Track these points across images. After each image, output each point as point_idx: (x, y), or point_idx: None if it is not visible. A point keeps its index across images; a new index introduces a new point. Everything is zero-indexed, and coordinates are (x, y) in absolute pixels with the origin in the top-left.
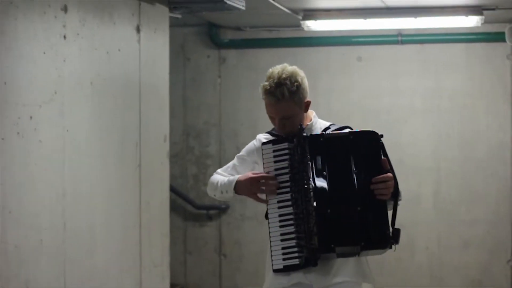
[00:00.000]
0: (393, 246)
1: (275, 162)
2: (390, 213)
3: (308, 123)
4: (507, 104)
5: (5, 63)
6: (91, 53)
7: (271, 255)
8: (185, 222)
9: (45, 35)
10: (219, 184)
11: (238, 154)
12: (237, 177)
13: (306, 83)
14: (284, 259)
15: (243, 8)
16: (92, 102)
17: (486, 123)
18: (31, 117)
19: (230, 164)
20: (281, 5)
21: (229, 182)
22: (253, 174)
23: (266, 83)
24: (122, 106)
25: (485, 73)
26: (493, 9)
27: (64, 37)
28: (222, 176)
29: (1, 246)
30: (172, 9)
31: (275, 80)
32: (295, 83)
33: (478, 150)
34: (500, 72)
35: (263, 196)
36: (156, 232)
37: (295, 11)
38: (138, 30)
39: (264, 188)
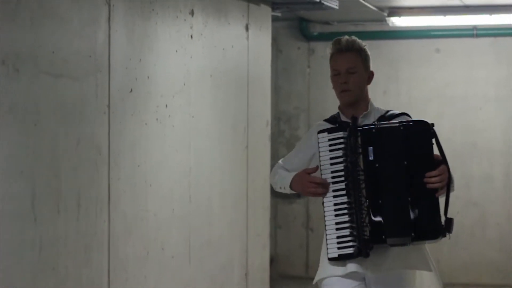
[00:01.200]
0: (447, 235)
1: (330, 151)
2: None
3: (364, 112)
4: None
5: (148, 60)
6: (211, 50)
7: (327, 243)
8: (275, 199)
9: (177, 36)
10: (278, 179)
11: (298, 143)
12: (292, 175)
13: (369, 55)
14: (339, 248)
15: (337, 7)
16: (211, 93)
17: None
18: (166, 106)
19: (291, 154)
20: (370, 4)
21: (286, 179)
22: (306, 174)
23: (332, 41)
24: (234, 95)
25: None
26: None
27: (191, 36)
28: (282, 169)
29: (144, 214)
30: (274, 8)
31: (346, 37)
32: (364, 46)
33: None
34: None
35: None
36: (259, 207)
37: (381, 9)
38: (247, 28)
39: (317, 187)
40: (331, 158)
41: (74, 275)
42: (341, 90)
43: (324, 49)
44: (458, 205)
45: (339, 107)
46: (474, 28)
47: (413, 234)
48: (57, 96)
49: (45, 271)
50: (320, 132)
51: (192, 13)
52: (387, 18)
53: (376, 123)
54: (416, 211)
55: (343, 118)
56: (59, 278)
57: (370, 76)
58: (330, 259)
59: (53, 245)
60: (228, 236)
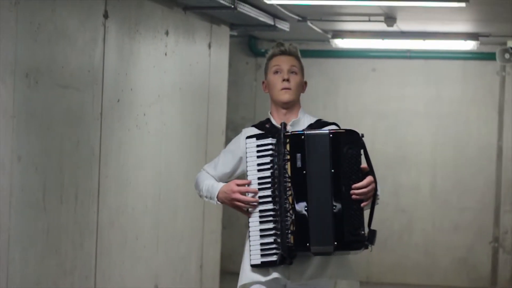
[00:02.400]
0: (369, 246)
1: (258, 157)
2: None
3: (294, 119)
4: (495, 112)
5: (132, 74)
6: (181, 66)
7: (250, 250)
8: None
9: (154, 53)
10: (203, 188)
11: (224, 149)
12: (220, 185)
13: None
14: (262, 255)
15: (288, 30)
16: (180, 104)
17: (477, 127)
18: (144, 114)
19: (217, 160)
20: (316, 27)
21: (213, 189)
22: (235, 185)
23: (274, 45)
24: (197, 106)
25: (478, 86)
26: (487, 36)
27: (166, 54)
28: (207, 177)
29: (124, 208)
30: (231, 28)
31: (284, 42)
32: (297, 49)
33: (469, 149)
34: (491, 86)
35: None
36: (213, 206)
37: (325, 31)
38: (209, 46)
39: (243, 204)
40: (258, 165)
41: (71, 257)
42: (282, 87)
43: None
44: (388, 211)
45: (270, 112)
46: (408, 51)
47: (336, 243)
48: (64, 104)
49: (51, 253)
50: (248, 137)
51: (167, 33)
52: (330, 40)
53: (305, 130)
54: (341, 221)
55: (274, 123)
56: (60, 259)
57: (304, 84)
58: (252, 266)
59: (57, 231)
60: (188, 231)
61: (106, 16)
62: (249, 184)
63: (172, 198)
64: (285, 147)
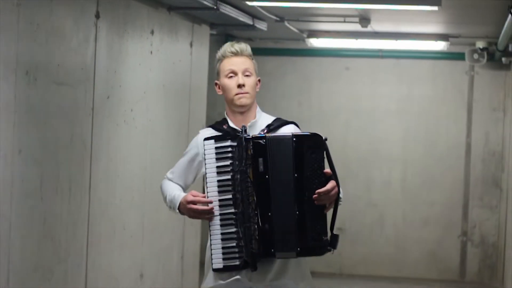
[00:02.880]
0: (331, 250)
1: (217, 159)
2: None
3: (252, 120)
4: (464, 110)
5: (121, 72)
6: (165, 64)
7: (211, 254)
8: None
9: (141, 51)
10: (167, 198)
11: (185, 152)
12: (181, 197)
13: None
14: (224, 259)
15: (266, 29)
16: (163, 100)
17: (447, 125)
18: (131, 110)
19: (178, 165)
20: (293, 27)
21: (174, 201)
22: (192, 196)
23: (225, 45)
24: (180, 103)
25: (448, 85)
26: (457, 37)
27: (151, 52)
28: (170, 186)
29: (113, 200)
30: (211, 28)
31: (235, 42)
32: (248, 47)
33: (439, 147)
34: (460, 85)
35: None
36: None
37: (301, 31)
38: (191, 45)
39: (200, 215)
40: (217, 167)
41: (65, 245)
42: (237, 92)
43: None
44: (359, 205)
45: (226, 113)
46: (380, 50)
47: (299, 249)
48: (59, 100)
49: (47, 241)
50: (206, 139)
51: (152, 32)
52: (306, 39)
53: (266, 134)
54: (304, 226)
55: (231, 125)
56: (55, 247)
57: (258, 82)
58: (214, 270)
59: (53, 221)
60: (171, 224)
61: (97, 16)
62: (205, 195)
63: (157, 191)
64: (246, 151)
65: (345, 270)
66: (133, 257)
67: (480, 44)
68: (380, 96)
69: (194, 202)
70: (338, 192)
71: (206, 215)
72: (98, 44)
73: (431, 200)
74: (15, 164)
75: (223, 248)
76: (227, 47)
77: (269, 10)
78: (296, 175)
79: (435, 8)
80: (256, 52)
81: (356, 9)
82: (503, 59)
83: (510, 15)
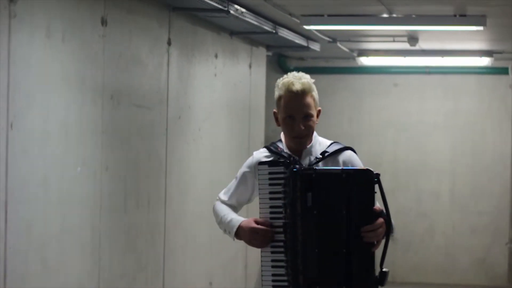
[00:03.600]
0: None
1: (270, 185)
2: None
3: (308, 146)
4: (508, 122)
5: (190, 94)
6: (227, 85)
7: (262, 280)
8: None
9: (206, 74)
10: (222, 220)
11: (238, 173)
12: (239, 221)
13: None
14: (274, 286)
15: (319, 50)
16: (226, 119)
17: (492, 136)
18: (199, 129)
19: (232, 186)
20: (344, 47)
21: (232, 225)
22: (255, 223)
23: (286, 79)
24: (241, 121)
25: (492, 99)
26: (501, 53)
27: (215, 75)
28: (225, 209)
29: (184, 212)
30: (268, 49)
31: (294, 75)
32: (312, 81)
33: (485, 157)
34: (504, 98)
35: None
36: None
37: (352, 50)
38: (250, 66)
39: (260, 243)
40: (270, 193)
41: (145, 254)
42: (295, 135)
43: None
44: (410, 216)
45: (288, 143)
46: (427, 67)
47: (344, 287)
48: (139, 121)
49: (130, 250)
50: (260, 163)
51: (216, 56)
52: (357, 58)
53: (316, 167)
54: (350, 263)
55: (285, 148)
56: (137, 256)
57: (318, 113)
58: None
59: (134, 232)
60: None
61: (169, 43)
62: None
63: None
64: (295, 184)
65: (397, 278)
66: (203, 266)
67: None
68: (428, 111)
69: (256, 231)
70: (388, 228)
71: (265, 244)
72: (170, 68)
73: (479, 209)
74: (103, 181)
75: (272, 275)
76: (289, 84)
77: (323, 32)
78: (344, 211)
79: (481, 28)
80: (308, 71)
81: (405, 30)
82: None
83: None
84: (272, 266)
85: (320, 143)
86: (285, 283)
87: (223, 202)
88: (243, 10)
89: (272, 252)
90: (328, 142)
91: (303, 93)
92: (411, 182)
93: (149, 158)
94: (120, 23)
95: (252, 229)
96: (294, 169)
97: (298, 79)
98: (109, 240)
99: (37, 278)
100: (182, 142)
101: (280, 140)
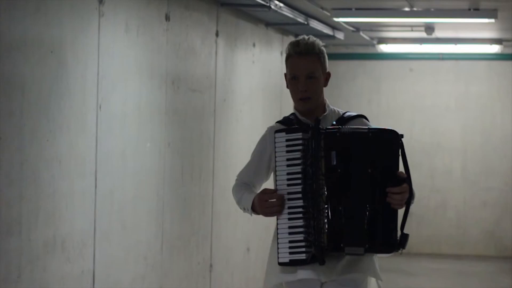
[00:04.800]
0: (400, 250)
1: (287, 152)
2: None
3: (324, 114)
4: None
5: (233, 79)
6: (263, 72)
7: (278, 247)
8: None
9: (246, 62)
10: (240, 200)
11: (253, 150)
12: (252, 197)
13: (326, 55)
14: (290, 253)
15: (343, 38)
16: (262, 101)
17: (501, 118)
18: (240, 111)
19: (248, 165)
20: (366, 35)
21: (247, 201)
22: (264, 195)
23: (293, 40)
24: (273, 104)
25: (501, 82)
26: (510, 41)
27: (253, 62)
28: (242, 187)
29: (228, 184)
30: (295, 37)
31: (305, 37)
32: (321, 44)
33: (495, 137)
34: None
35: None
36: None
37: (372, 38)
38: (281, 53)
39: (272, 212)
40: (288, 160)
41: (197, 221)
42: (300, 97)
43: None
44: (424, 191)
45: (295, 108)
46: (440, 54)
47: (367, 246)
48: (193, 104)
49: (186, 216)
50: (277, 131)
51: (254, 45)
52: (376, 45)
53: (340, 126)
54: (374, 223)
55: (301, 118)
56: (191, 222)
57: (327, 77)
58: (280, 264)
59: (189, 201)
60: None
61: (217, 34)
62: (276, 190)
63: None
64: (319, 144)
65: (412, 249)
66: (243, 234)
67: None
68: (441, 94)
69: (265, 199)
70: (410, 194)
71: (277, 210)
72: (218, 57)
73: (488, 185)
74: (166, 155)
75: (290, 241)
76: (293, 45)
77: (348, 23)
78: (369, 170)
79: (492, 20)
80: (330, 57)
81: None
82: None
83: None
84: (289, 233)
85: (333, 112)
86: (303, 249)
87: (241, 181)
88: (281, 4)
89: (290, 219)
90: (341, 111)
91: (307, 53)
92: (425, 161)
93: (201, 136)
94: (179, 18)
95: (261, 198)
96: (320, 128)
97: (303, 40)
98: (170, 208)
99: (118, 235)
100: (227, 122)
101: (294, 114)
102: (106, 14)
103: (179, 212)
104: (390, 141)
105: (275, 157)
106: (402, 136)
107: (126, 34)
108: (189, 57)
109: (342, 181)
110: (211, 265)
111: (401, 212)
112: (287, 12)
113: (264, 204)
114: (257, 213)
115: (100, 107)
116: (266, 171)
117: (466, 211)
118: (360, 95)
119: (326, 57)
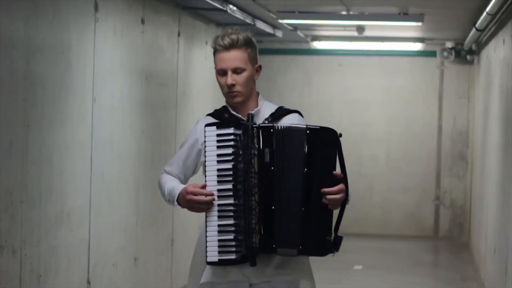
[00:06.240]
0: (334, 252)
1: (218, 147)
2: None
3: (255, 109)
4: (435, 98)
5: (190, 75)
6: (213, 67)
7: (206, 246)
8: None
9: (200, 59)
10: (165, 192)
11: (182, 142)
12: (180, 189)
13: (257, 48)
14: (220, 252)
15: (281, 36)
16: (213, 95)
17: (422, 110)
18: (196, 103)
19: (176, 157)
20: (302, 33)
21: (173, 193)
22: (192, 188)
23: (218, 33)
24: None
25: (422, 77)
26: (431, 39)
27: (205, 58)
28: (168, 179)
29: None
30: None
31: (230, 30)
32: (249, 38)
33: (415, 128)
34: (432, 77)
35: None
36: None
37: (307, 36)
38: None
39: (200, 208)
40: (218, 155)
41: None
42: (227, 91)
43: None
44: (352, 177)
45: (227, 102)
46: (367, 50)
47: (300, 247)
48: (160, 96)
49: (155, 197)
50: (208, 125)
51: (206, 43)
52: (310, 43)
53: (274, 123)
54: (308, 224)
55: (233, 112)
56: (158, 201)
57: (257, 69)
58: (209, 263)
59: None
60: None
61: (179, 34)
62: (206, 186)
63: None
64: (252, 140)
65: (341, 230)
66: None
67: (449, 44)
68: (367, 87)
69: (194, 193)
70: (346, 195)
71: (205, 207)
72: (179, 55)
73: (410, 171)
74: (140, 142)
75: (219, 240)
76: (219, 38)
77: (290, 23)
78: (305, 169)
79: (419, 23)
80: (264, 51)
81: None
82: (468, 56)
83: (474, 29)
84: (219, 232)
85: (267, 106)
86: (233, 249)
87: (168, 173)
88: (235, 8)
89: (219, 217)
90: (275, 106)
91: (231, 46)
92: (353, 149)
93: (166, 125)
94: (152, 22)
95: (189, 192)
96: (253, 124)
97: (228, 34)
98: (144, 187)
99: (106, 211)
100: (185, 113)
101: (225, 107)
102: (100, 19)
103: (150, 192)
104: (328, 140)
105: (204, 152)
106: (340, 135)
107: (114, 36)
108: (158, 55)
109: (276, 180)
110: (172, 240)
111: (335, 213)
112: (238, 14)
113: (192, 199)
114: (182, 206)
115: (94, 100)
116: (194, 165)
117: (390, 195)
118: (293, 88)
119: (256, 48)
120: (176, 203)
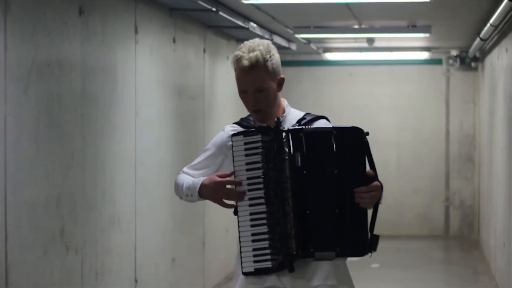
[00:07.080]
0: (371, 252)
1: (246, 155)
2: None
3: (283, 115)
4: (442, 104)
5: (214, 89)
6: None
7: (241, 257)
8: None
9: (222, 73)
10: (184, 186)
11: (205, 148)
12: (202, 179)
13: (278, 57)
14: (255, 262)
15: (295, 49)
16: (235, 106)
17: (430, 115)
18: (220, 114)
19: (197, 159)
20: (314, 46)
21: (194, 185)
22: (218, 177)
23: (236, 52)
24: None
25: (429, 85)
26: (437, 48)
27: (227, 72)
28: (187, 176)
29: None
30: None
31: (248, 47)
32: (269, 52)
33: (424, 133)
34: (439, 84)
35: (230, 201)
36: None
37: (319, 48)
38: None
39: (229, 194)
40: (247, 164)
41: (194, 206)
42: (251, 110)
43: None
44: None
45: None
46: (377, 60)
47: (338, 249)
48: (189, 109)
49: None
50: (234, 135)
51: (227, 58)
52: (322, 54)
53: (303, 126)
54: (344, 225)
55: (258, 122)
56: (190, 207)
57: (280, 83)
58: (245, 274)
59: None
60: None
61: (204, 51)
62: (231, 175)
63: None
64: (282, 145)
65: None
66: (222, 216)
67: (454, 52)
68: (377, 95)
69: (223, 183)
70: (381, 191)
71: (232, 194)
72: (205, 70)
73: (420, 174)
74: (174, 152)
75: (254, 249)
76: (239, 59)
77: (306, 38)
78: (336, 171)
79: (427, 35)
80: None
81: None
82: (472, 63)
83: (478, 39)
84: (253, 241)
85: (293, 113)
86: (268, 257)
87: (186, 173)
88: (255, 25)
89: (252, 226)
90: (302, 112)
91: (251, 68)
92: None
93: (195, 135)
94: (182, 41)
95: (217, 181)
96: (281, 130)
97: (247, 53)
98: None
99: (148, 215)
100: (211, 124)
101: (250, 115)
102: (139, 41)
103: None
104: (356, 139)
105: (233, 161)
106: (367, 133)
107: (151, 55)
108: (187, 71)
109: (308, 183)
110: (203, 242)
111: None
112: (258, 30)
113: (220, 182)
114: (204, 198)
115: (137, 114)
116: (215, 171)
117: (401, 197)
118: (306, 98)
119: (276, 62)
120: (198, 195)
